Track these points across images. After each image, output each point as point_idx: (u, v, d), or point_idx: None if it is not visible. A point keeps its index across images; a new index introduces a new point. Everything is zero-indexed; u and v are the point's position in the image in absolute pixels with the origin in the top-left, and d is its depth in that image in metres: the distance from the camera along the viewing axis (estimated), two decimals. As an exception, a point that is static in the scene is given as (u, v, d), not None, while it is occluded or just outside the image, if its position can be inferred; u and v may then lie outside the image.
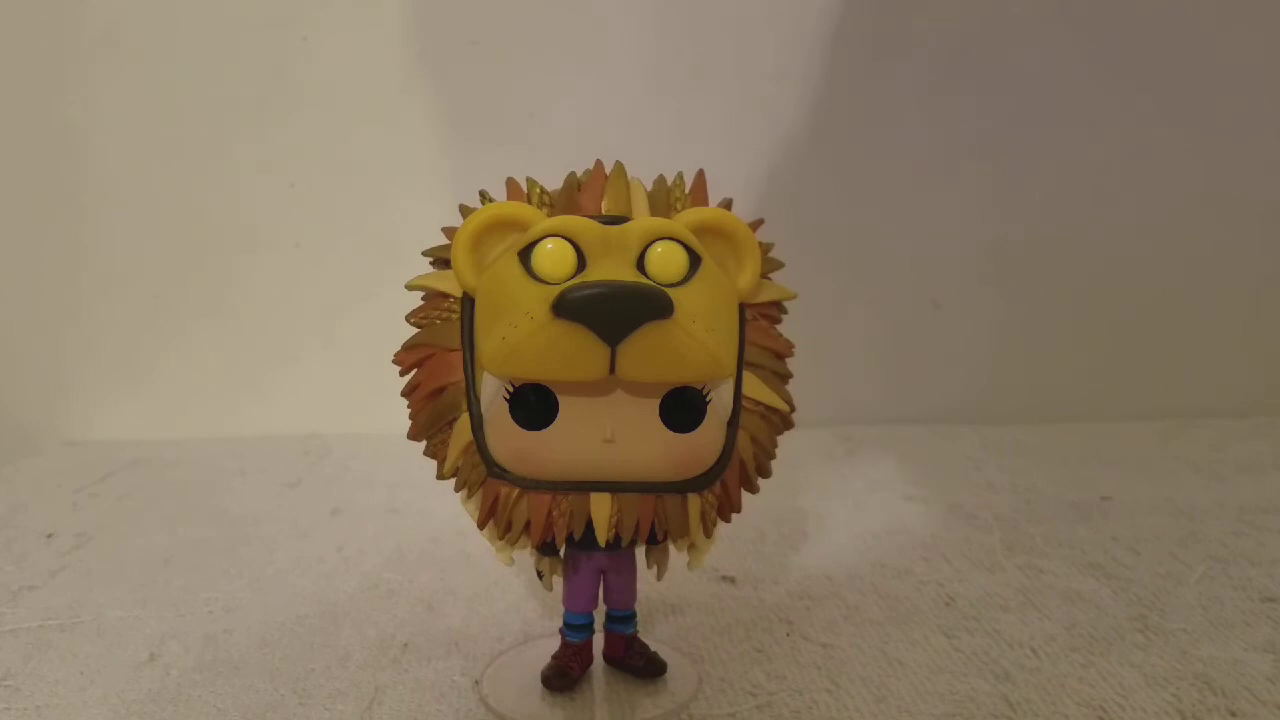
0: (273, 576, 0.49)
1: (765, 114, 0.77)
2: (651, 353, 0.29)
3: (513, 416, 0.31)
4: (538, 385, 0.31)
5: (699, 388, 0.32)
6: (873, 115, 0.77)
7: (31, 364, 0.80)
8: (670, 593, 0.45)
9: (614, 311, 0.29)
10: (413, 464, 0.36)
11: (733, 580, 0.47)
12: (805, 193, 0.78)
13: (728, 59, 0.77)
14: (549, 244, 0.30)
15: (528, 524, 0.33)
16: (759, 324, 0.34)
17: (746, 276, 0.33)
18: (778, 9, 0.76)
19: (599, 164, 0.34)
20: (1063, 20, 0.77)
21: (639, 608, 0.38)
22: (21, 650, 0.41)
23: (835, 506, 0.59)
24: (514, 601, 0.45)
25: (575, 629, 0.37)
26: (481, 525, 0.34)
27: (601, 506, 0.32)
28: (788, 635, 0.41)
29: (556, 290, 0.29)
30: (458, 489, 0.34)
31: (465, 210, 0.33)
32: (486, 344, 0.31)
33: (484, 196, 0.34)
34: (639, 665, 0.37)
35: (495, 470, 0.33)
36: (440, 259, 0.34)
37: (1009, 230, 0.80)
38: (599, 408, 0.31)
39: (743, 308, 0.34)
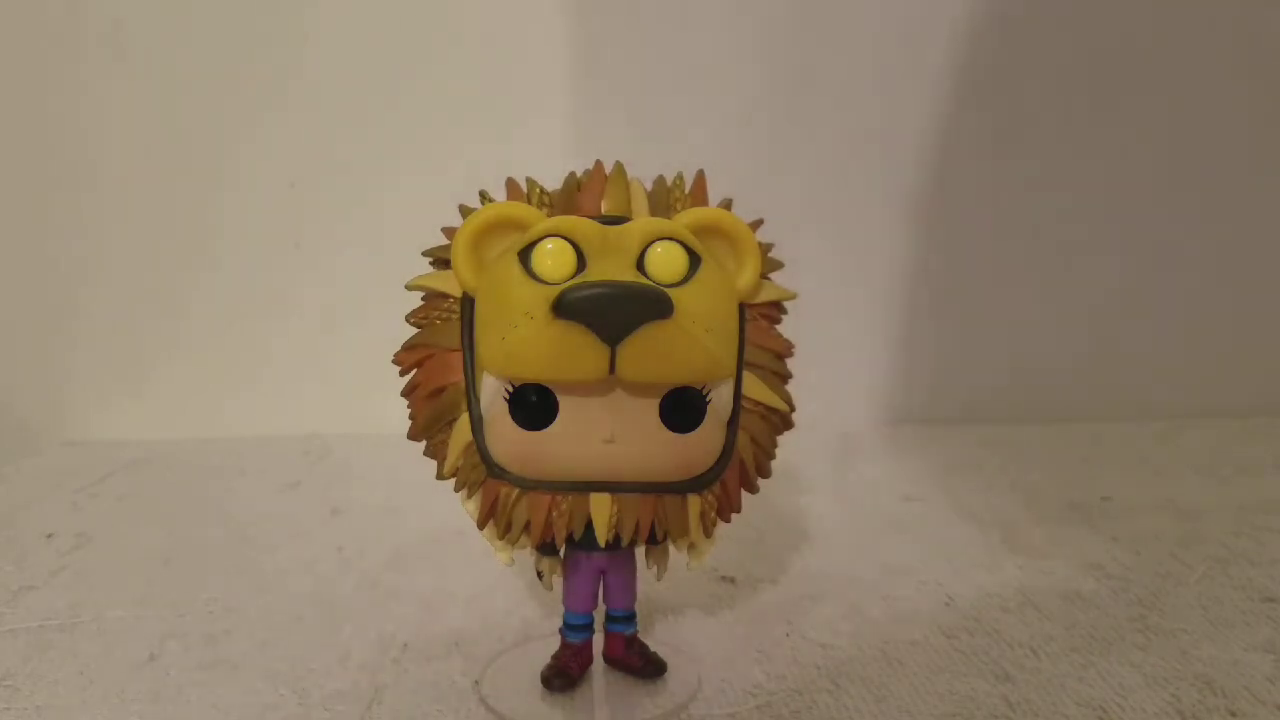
0: (273, 576, 0.49)
1: (768, 111, 0.77)
2: (651, 353, 0.29)
3: (513, 416, 0.31)
4: (538, 385, 0.31)
5: (699, 388, 0.32)
6: (878, 113, 0.77)
7: (31, 364, 0.80)
8: (670, 593, 0.45)
9: (614, 312, 0.29)
10: (413, 464, 0.36)
11: (733, 580, 0.47)
12: (805, 192, 0.78)
13: (735, 56, 0.77)
14: (549, 244, 0.30)
15: (528, 524, 0.33)
16: (759, 324, 0.34)
17: (746, 276, 0.33)
18: (777, 5, 0.76)
19: (599, 164, 0.34)
20: (1042, 20, 0.77)
21: (639, 608, 0.38)
22: (21, 650, 0.41)
23: (835, 506, 0.59)
24: (514, 601, 0.45)
25: (575, 629, 0.37)
26: (481, 525, 0.34)
27: (601, 507, 0.32)
28: (788, 635, 0.41)
29: (556, 290, 0.29)
30: (458, 489, 0.34)
31: (465, 210, 0.33)
32: (486, 344, 0.31)
33: (484, 196, 0.34)
34: (639, 665, 0.37)
35: (495, 470, 0.33)
36: (440, 259, 0.34)
37: (1009, 233, 0.80)
38: (599, 408, 0.31)
39: (743, 308, 0.34)
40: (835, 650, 0.40)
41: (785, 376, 0.35)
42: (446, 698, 0.37)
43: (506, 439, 0.32)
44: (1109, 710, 0.35)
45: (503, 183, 0.35)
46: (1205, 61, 0.78)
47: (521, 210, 0.32)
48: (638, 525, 0.33)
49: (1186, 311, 0.82)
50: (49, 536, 0.56)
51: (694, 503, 0.33)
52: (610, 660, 0.38)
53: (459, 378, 0.33)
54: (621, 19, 0.76)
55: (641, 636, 0.38)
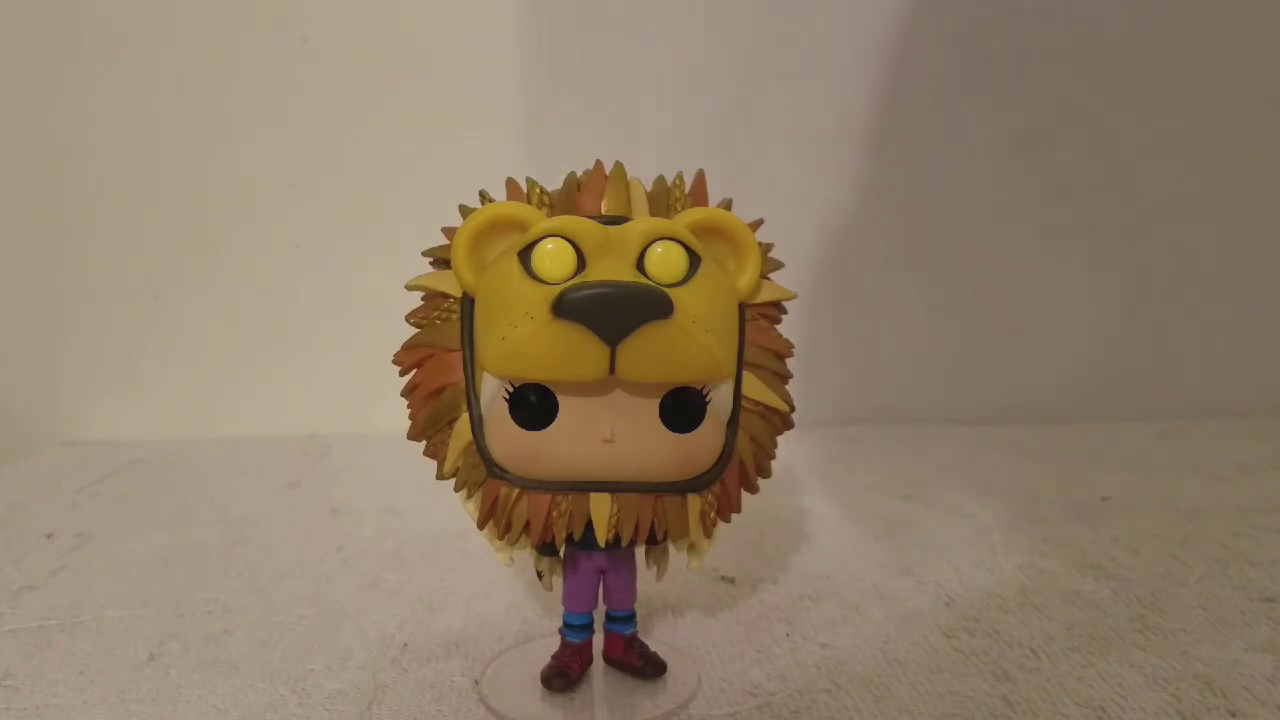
0: (273, 576, 0.49)
1: (770, 112, 0.77)
2: (651, 353, 0.29)
3: (513, 416, 0.31)
4: (538, 385, 0.31)
5: (698, 388, 0.32)
6: (879, 113, 0.77)
7: (31, 364, 0.80)
8: (670, 593, 0.45)
9: (614, 312, 0.29)
10: (413, 464, 0.36)
11: (733, 580, 0.47)
12: (806, 192, 0.78)
13: (735, 55, 0.77)
14: (549, 244, 0.30)
15: (527, 524, 0.33)
16: (759, 324, 0.34)
17: (746, 277, 0.33)
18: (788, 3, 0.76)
19: (599, 164, 0.34)
20: (1074, 24, 0.77)
21: (639, 608, 0.38)
22: (21, 650, 0.41)
23: (835, 506, 0.59)
24: (514, 601, 0.45)
25: (575, 629, 0.37)
26: (481, 525, 0.34)
27: (601, 506, 0.32)
28: (788, 635, 0.41)
29: (556, 290, 0.29)
30: (458, 489, 0.34)
31: (465, 210, 0.33)
32: (486, 344, 0.31)
33: (484, 196, 0.34)
34: (639, 665, 0.37)
35: (495, 470, 0.33)
36: (440, 259, 0.34)
37: (1010, 233, 0.80)
38: (599, 408, 0.31)
39: (743, 308, 0.34)
40: (835, 650, 0.40)
41: (785, 376, 0.35)
42: (446, 698, 0.37)
43: (506, 439, 0.32)
44: (1109, 710, 0.35)
45: (503, 182, 0.35)
46: (1207, 62, 0.78)
47: (521, 210, 0.32)
48: (638, 525, 0.33)
49: (1187, 312, 0.82)
50: (49, 536, 0.56)
51: (694, 503, 0.33)
52: (610, 660, 0.38)
53: (459, 378, 0.33)
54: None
55: (641, 636, 0.38)
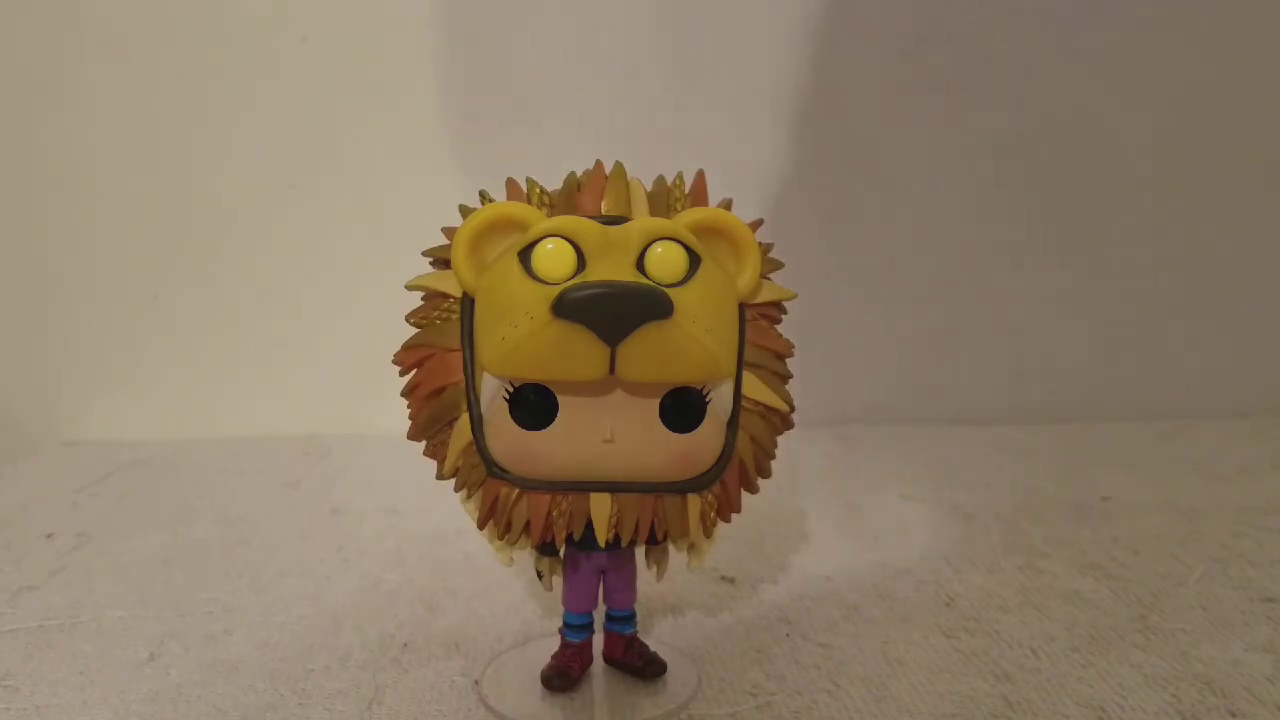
0: (273, 576, 0.49)
1: (771, 112, 0.77)
2: (651, 353, 0.29)
3: (513, 416, 0.31)
4: (538, 385, 0.31)
5: (698, 388, 0.32)
6: (881, 113, 0.77)
7: (30, 365, 0.80)
8: (670, 593, 0.45)
9: (614, 312, 0.29)
10: (413, 464, 0.36)
11: (733, 580, 0.47)
12: (806, 192, 0.78)
13: (735, 55, 0.77)
14: (549, 244, 0.30)
15: (527, 524, 0.33)
16: (759, 324, 0.34)
17: (746, 277, 0.33)
18: (789, 5, 0.76)
19: (599, 164, 0.34)
20: (1072, 19, 0.77)
21: (639, 608, 0.38)
22: (21, 650, 0.41)
23: (835, 506, 0.59)
24: (514, 601, 0.45)
25: (575, 629, 0.37)
26: (481, 525, 0.34)
27: (601, 506, 0.32)
28: (788, 635, 0.41)
29: (556, 290, 0.29)
30: (458, 489, 0.34)
31: (465, 210, 0.33)
32: (486, 344, 0.31)
33: (484, 196, 0.34)
34: (639, 665, 0.37)
35: (495, 470, 0.33)
36: (440, 259, 0.34)
37: (1010, 232, 0.80)
38: (599, 408, 0.31)
39: (742, 308, 0.34)
40: (835, 650, 0.40)
41: (785, 376, 0.35)
42: (446, 698, 0.37)
43: (506, 439, 0.32)
44: (1109, 710, 0.35)
45: (503, 182, 0.35)
46: (1201, 56, 0.78)
47: (521, 210, 0.32)
48: (637, 525, 0.33)
49: (1187, 312, 0.82)
50: (49, 536, 0.56)
51: (694, 503, 0.33)
52: (610, 660, 0.38)
53: (459, 378, 0.33)
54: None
55: (641, 636, 0.38)
